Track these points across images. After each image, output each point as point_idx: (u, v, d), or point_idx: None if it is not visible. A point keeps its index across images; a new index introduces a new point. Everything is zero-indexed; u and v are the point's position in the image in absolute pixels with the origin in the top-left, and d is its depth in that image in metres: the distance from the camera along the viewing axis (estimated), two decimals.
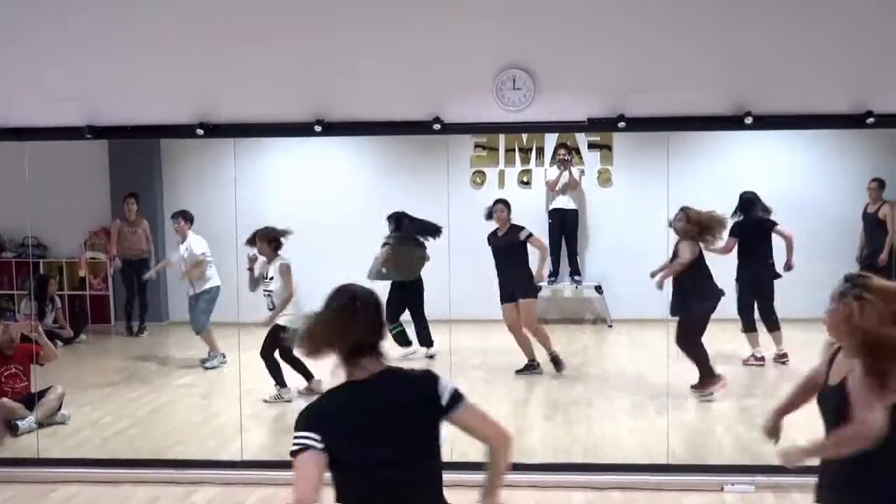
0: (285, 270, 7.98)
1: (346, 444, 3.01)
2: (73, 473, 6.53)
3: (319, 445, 2.97)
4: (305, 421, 3.04)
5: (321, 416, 3.07)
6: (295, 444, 3.00)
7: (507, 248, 8.67)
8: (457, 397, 3.17)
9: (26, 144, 6.75)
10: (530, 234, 8.67)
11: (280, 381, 7.95)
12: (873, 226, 8.71)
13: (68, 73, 6.51)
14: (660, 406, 7.44)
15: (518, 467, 6.35)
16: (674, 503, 5.80)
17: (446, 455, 6.19)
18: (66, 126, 6.50)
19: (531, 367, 8.73)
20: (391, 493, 3.09)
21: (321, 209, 9.22)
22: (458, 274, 7.27)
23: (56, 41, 6.50)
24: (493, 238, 8.78)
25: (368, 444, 3.03)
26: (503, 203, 8.75)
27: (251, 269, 8.02)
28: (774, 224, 8.38)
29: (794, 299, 8.01)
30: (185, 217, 8.82)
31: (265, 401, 7.91)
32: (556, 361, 8.69)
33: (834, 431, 3.49)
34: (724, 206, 8.26)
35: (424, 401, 3.14)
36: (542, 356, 8.75)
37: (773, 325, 8.42)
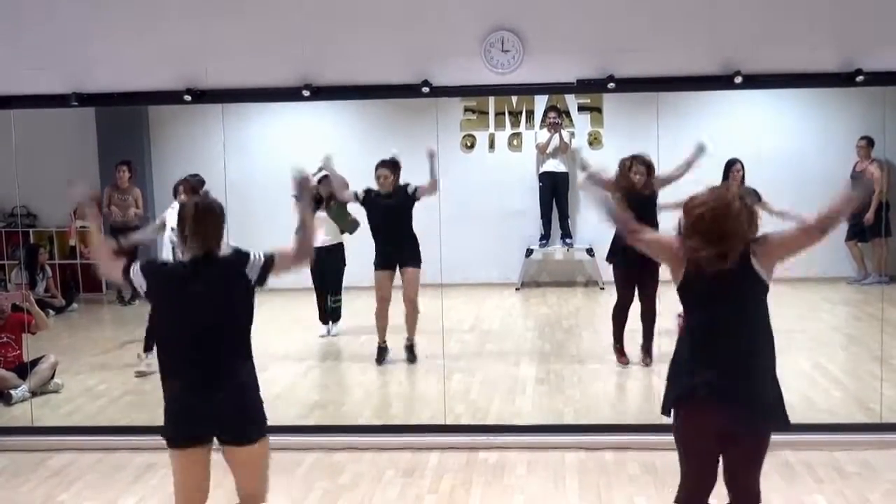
0: None
1: (165, 300, 4.07)
2: (68, 441, 6.55)
3: (142, 289, 4.05)
4: (144, 267, 4.07)
5: (157, 271, 4.10)
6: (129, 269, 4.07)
7: (390, 210, 8.05)
8: (266, 268, 4.07)
9: (12, 112, 6.71)
10: (416, 189, 7.93)
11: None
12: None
13: (54, 39, 6.44)
14: (650, 367, 7.50)
15: (511, 429, 6.47)
16: (665, 462, 5.84)
17: (439, 418, 6.23)
18: (53, 93, 6.45)
19: (383, 353, 8.20)
20: (195, 345, 3.95)
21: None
22: (449, 237, 7.28)
23: (40, 7, 6.44)
24: (370, 198, 8.13)
25: (186, 303, 3.96)
26: (386, 166, 8.06)
27: None
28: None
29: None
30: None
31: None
32: (410, 351, 8.14)
33: None
34: (713, 167, 8.23)
35: (234, 275, 4.02)
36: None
37: None
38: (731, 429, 3.79)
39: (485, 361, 8.15)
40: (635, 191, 7.46)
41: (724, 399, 3.75)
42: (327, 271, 8.76)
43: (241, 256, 4.06)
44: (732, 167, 8.05)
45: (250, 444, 4.00)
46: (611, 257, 7.87)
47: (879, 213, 8.44)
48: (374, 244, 8.11)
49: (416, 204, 7.99)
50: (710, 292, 3.80)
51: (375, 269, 8.13)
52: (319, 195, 8.54)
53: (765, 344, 3.86)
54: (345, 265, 8.85)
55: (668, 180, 7.48)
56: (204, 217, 4.03)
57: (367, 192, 8.11)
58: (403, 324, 8.14)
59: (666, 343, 7.09)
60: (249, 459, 4.05)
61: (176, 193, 7.89)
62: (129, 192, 9.19)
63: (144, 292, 4.07)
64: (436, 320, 7.68)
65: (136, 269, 4.05)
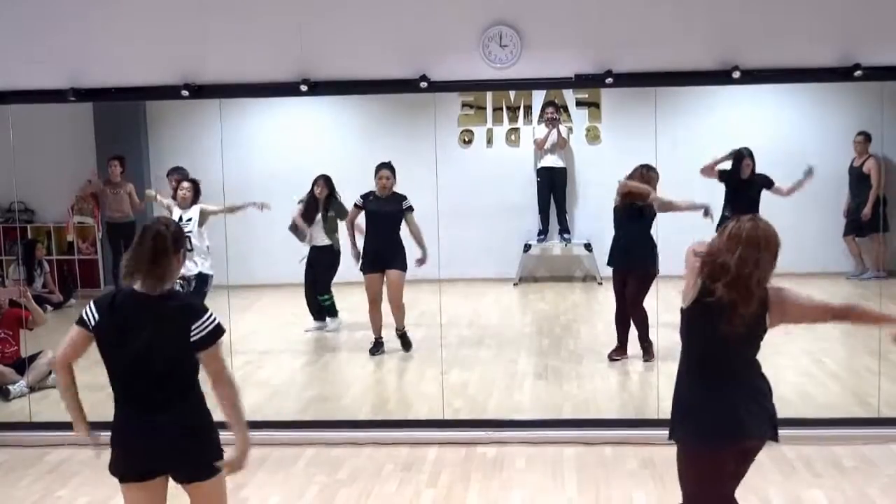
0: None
1: (105, 335, 3.76)
2: (66, 437, 6.51)
3: (92, 323, 3.72)
4: (97, 301, 3.75)
5: (107, 304, 3.73)
6: (81, 315, 3.75)
7: (386, 215, 8.12)
8: (207, 341, 3.66)
9: (10, 108, 6.69)
10: (411, 208, 8.09)
11: None
12: (858, 179, 8.74)
13: (52, 34, 6.43)
14: (649, 361, 7.51)
15: (510, 424, 6.47)
16: (663, 457, 5.84)
17: (437, 413, 6.21)
18: (51, 88, 6.43)
19: (379, 346, 8.30)
20: (131, 385, 3.93)
21: (308, 169, 9.18)
22: (447, 233, 7.28)
23: (38, 2, 6.42)
24: (369, 202, 8.19)
25: (118, 340, 3.74)
26: (389, 168, 8.15)
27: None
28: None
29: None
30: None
31: None
32: (404, 339, 8.28)
33: None
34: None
35: (180, 326, 3.66)
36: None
37: None
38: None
39: (483, 356, 8.16)
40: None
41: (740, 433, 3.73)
42: (318, 269, 8.79)
43: (193, 311, 3.71)
44: (742, 162, 8.02)
45: (206, 479, 3.81)
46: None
47: (876, 208, 8.46)
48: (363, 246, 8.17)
49: (414, 198, 8.04)
50: (717, 326, 3.66)
51: (364, 273, 8.20)
52: (315, 197, 8.58)
53: (758, 370, 3.83)
54: (336, 265, 8.79)
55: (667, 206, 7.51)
56: (161, 255, 3.67)
57: (365, 195, 8.17)
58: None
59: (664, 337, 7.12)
60: (205, 495, 3.87)
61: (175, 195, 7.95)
62: (121, 186, 9.16)
63: (92, 327, 3.76)
64: (434, 315, 7.69)
65: (89, 307, 3.77)
